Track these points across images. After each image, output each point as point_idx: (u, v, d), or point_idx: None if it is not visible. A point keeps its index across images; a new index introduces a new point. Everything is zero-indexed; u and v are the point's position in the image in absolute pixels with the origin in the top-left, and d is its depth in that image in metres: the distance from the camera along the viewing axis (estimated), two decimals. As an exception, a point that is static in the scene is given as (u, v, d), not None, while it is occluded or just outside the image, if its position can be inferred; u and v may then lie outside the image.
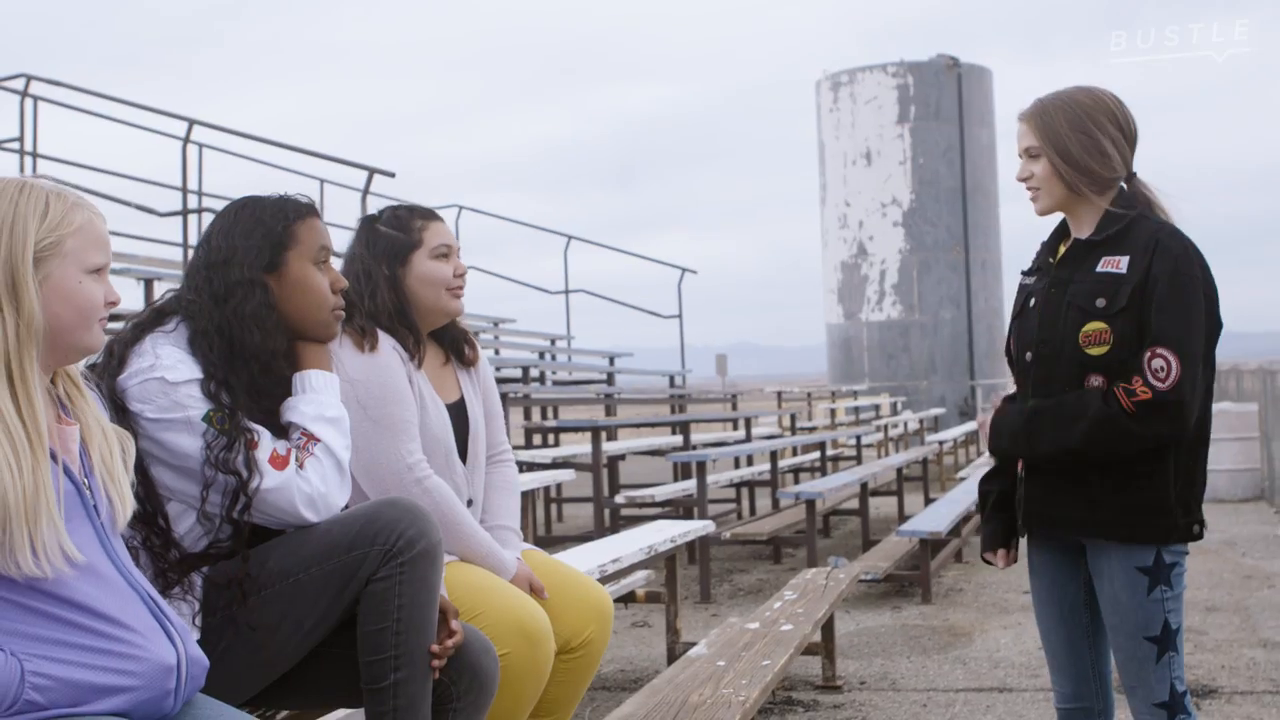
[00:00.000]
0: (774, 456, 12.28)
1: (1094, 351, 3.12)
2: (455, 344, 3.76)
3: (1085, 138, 3.19)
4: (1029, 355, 3.28)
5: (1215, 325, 3.15)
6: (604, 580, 5.33)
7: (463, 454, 3.63)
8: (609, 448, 11.62)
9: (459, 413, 3.66)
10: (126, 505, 2.38)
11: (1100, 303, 3.13)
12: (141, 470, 2.66)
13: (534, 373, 14.59)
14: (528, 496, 8.42)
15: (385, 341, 3.49)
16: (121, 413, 2.71)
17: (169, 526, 2.75)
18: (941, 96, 28.17)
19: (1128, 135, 3.25)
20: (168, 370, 2.77)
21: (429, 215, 3.71)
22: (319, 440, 2.88)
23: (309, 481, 2.82)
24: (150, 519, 2.70)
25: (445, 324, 3.71)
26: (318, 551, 2.77)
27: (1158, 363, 3.03)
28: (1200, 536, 3.21)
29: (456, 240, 3.74)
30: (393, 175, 12.19)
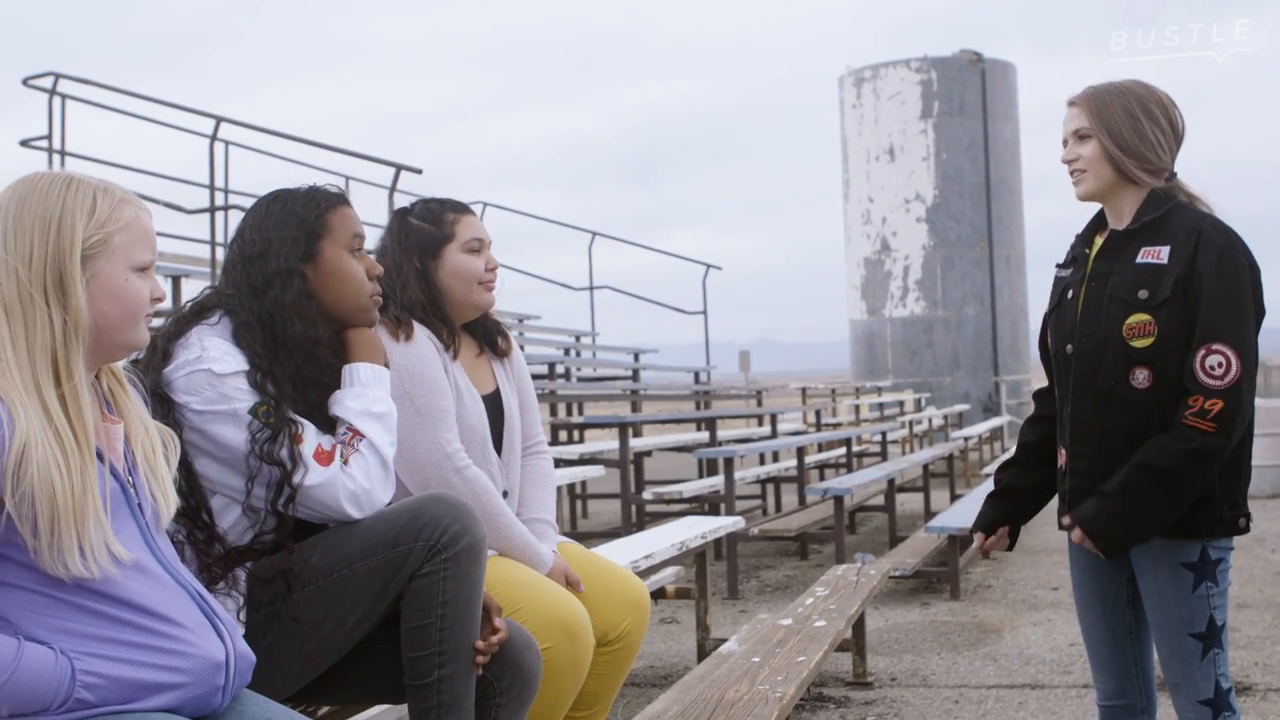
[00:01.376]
0: (800, 453, 12.25)
1: (1138, 344, 3.10)
2: (489, 335, 3.76)
3: (1140, 124, 3.17)
4: (1069, 348, 3.26)
5: (1260, 312, 3.13)
6: (636, 576, 5.32)
7: (498, 445, 3.63)
8: (635, 444, 11.61)
9: (494, 404, 3.65)
10: (170, 502, 2.38)
11: (1143, 294, 3.10)
12: (185, 464, 2.66)
13: (559, 369, 14.60)
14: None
15: (420, 332, 3.49)
16: (167, 405, 2.72)
17: (213, 521, 2.75)
18: (965, 92, 28.10)
19: (1177, 133, 3.23)
20: (215, 362, 2.78)
21: (461, 209, 3.71)
22: (364, 436, 2.88)
23: (353, 478, 2.82)
24: (194, 513, 2.71)
25: (477, 316, 3.71)
26: (362, 547, 2.77)
27: (1214, 360, 3.01)
28: (1247, 530, 3.19)
29: (489, 235, 3.74)
30: (420, 172, 12.19)
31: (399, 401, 3.32)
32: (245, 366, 2.81)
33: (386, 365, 3.05)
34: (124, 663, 2.16)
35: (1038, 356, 3.56)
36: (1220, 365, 3.00)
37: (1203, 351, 3.02)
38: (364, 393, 2.94)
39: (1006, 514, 3.52)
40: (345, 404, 2.92)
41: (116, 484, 2.25)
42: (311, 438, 2.82)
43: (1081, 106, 3.25)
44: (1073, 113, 3.27)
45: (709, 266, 18.42)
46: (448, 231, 3.62)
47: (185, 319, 2.89)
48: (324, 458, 2.81)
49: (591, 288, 17.81)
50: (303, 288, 2.94)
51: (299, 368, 2.88)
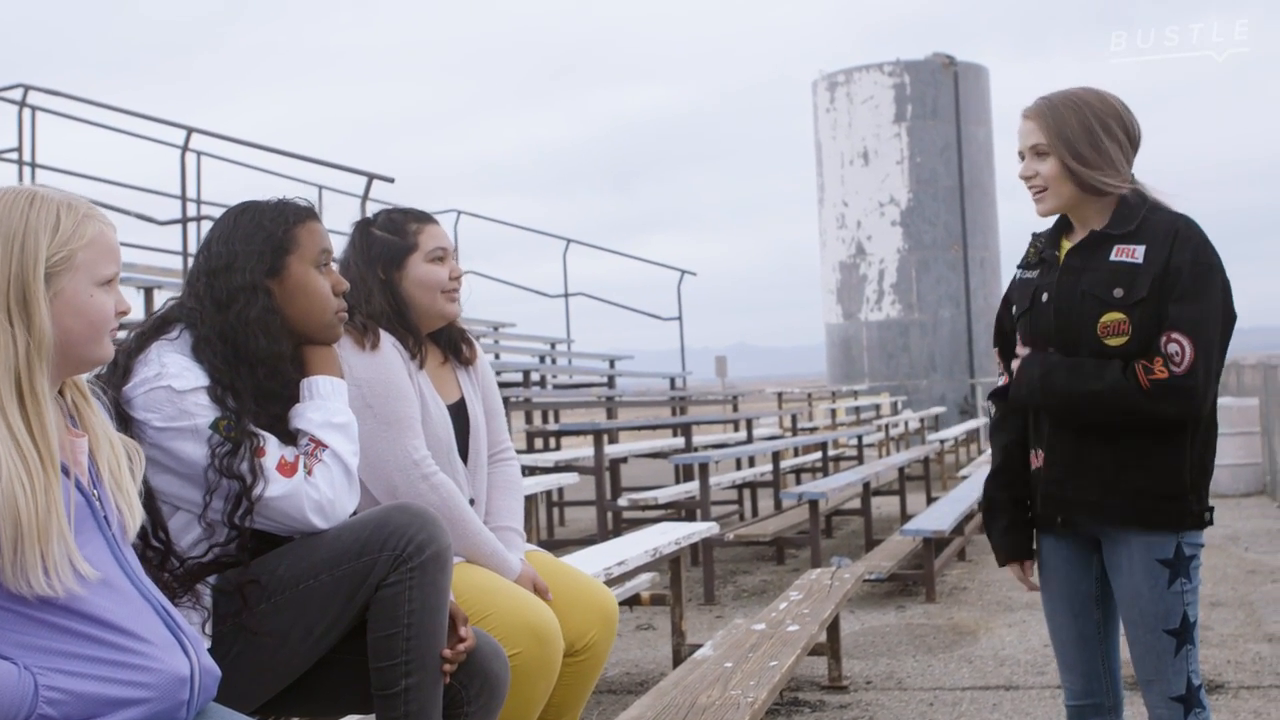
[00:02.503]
0: (776, 457, 12.28)
1: (1113, 342, 3.11)
2: (453, 344, 3.76)
3: (1099, 138, 3.16)
4: (1050, 350, 3.25)
5: (1231, 315, 3.14)
6: (609, 583, 5.32)
7: (464, 453, 3.63)
8: (611, 450, 11.62)
9: (459, 412, 3.65)
10: (136, 515, 2.38)
11: (1118, 292, 3.11)
12: (144, 482, 2.66)
13: (534, 376, 14.58)
14: (530, 500, 8.42)
15: (386, 340, 3.49)
16: (126, 422, 2.70)
17: (169, 539, 2.72)
18: (938, 95, 28.19)
19: (1133, 140, 3.23)
20: (174, 378, 2.77)
21: (424, 218, 3.70)
22: (327, 447, 2.88)
23: (318, 489, 2.82)
24: (149, 533, 2.69)
25: (443, 325, 3.71)
26: (327, 558, 2.77)
27: (1172, 347, 3.03)
28: (1211, 523, 3.22)
29: (452, 243, 3.73)
30: (392, 180, 12.19)
31: (365, 411, 3.32)
32: (205, 382, 2.80)
33: (342, 377, 3.05)
34: (88, 678, 2.15)
35: (993, 348, 3.55)
36: (1177, 353, 3.03)
37: (1164, 339, 3.05)
38: (324, 404, 2.94)
39: (1027, 529, 3.46)
40: (306, 416, 2.92)
41: (82, 498, 2.24)
42: (274, 450, 2.82)
43: (1036, 121, 3.22)
44: (1029, 127, 3.24)
45: (684, 272, 18.45)
46: (411, 242, 3.62)
47: (146, 334, 2.88)
48: (287, 469, 2.80)
49: (566, 295, 17.82)
50: (267, 303, 2.93)
51: (261, 382, 2.88)
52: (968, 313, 28.11)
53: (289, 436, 2.90)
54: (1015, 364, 3.32)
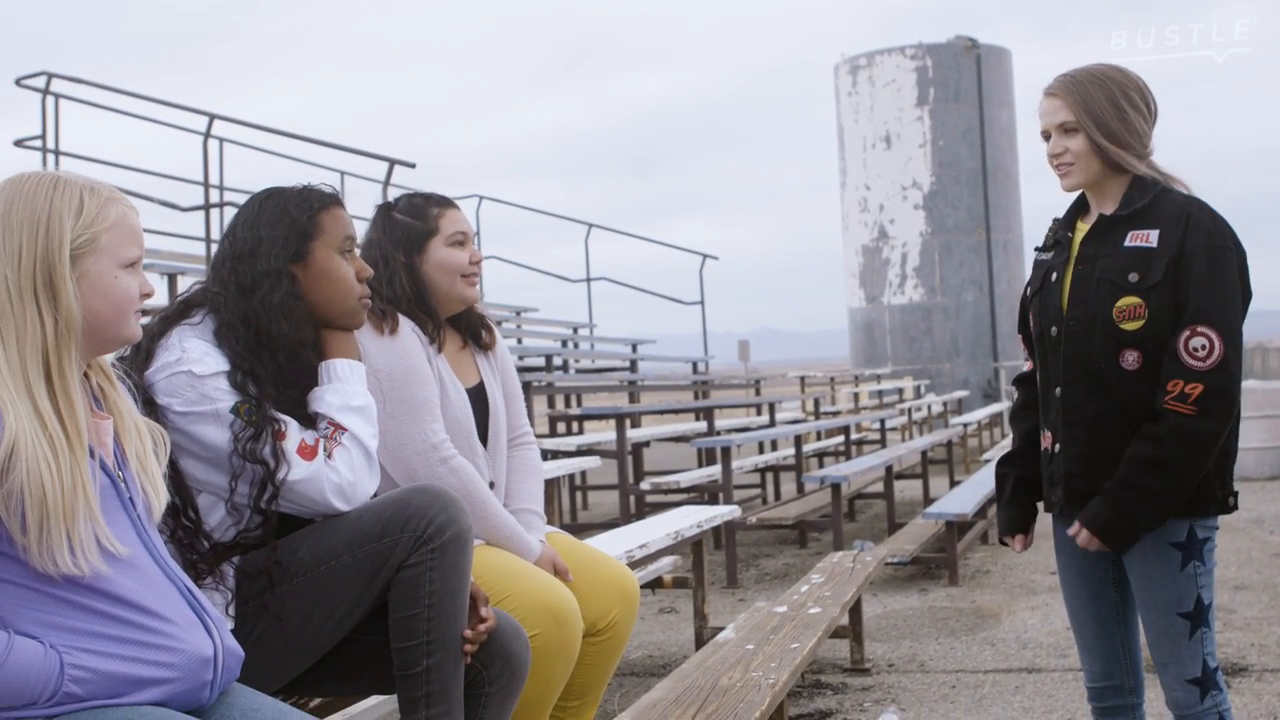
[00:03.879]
0: (798, 441, 12.27)
1: (1128, 326, 3.11)
2: (473, 328, 3.78)
3: (1123, 114, 3.17)
4: (1054, 330, 3.26)
5: (1247, 296, 3.14)
6: (631, 566, 5.33)
7: (483, 437, 3.64)
8: (633, 435, 11.63)
9: (479, 396, 3.67)
10: (161, 496, 2.40)
11: (1133, 277, 3.11)
12: (171, 463, 2.68)
13: (557, 361, 14.59)
14: (553, 484, 8.44)
15: (405, 324, 3.51)
16: (149, 406, 2.73)
17: (199, 518, 2.77)
18: (960, 78, 28.07)
19: (1153, 115, 3.23)
20: (194, 363, 2.79)
21: (445, 203, 3.72)
22: (346, 430, 2.90)
23: (338, 471, 2.84)
24: (179, 512, 2.72)
25: (462, 310, 3.72)
26: (349, 539, 2.79)
27: (1198, 341, 3.02)
28: (1235, 508, 3.20)
29: (473, 227, 3.74)
30: (413, 166, 12.21)
31: (383, 395, 3.34)
32: (226, 367, 2.82)
33: (360, 359, 3.07)
34: (112, 657, 2.18)
35: (1018, 333, 3.56)
36: (1204, 347, 3.02)
37: (1187, 333, 3.03)
38: (342, 388, 2.96)
39: (1031, 510, 3.51)
40: (325, 400, 2.94)
41: (107, 479, 2.27)
42: (295, 434, 2.84)
43: (1063, 98, 3.22)
44: (1054, 104, 3.24)
45: (705, 257, 18.42)
46: (432, 226, 3.64)
47: (169, 318, 2.91)
48: (308, 452, 2.83)
49: (589, 279, 17.81)
50: (291, 288, 2.95)
51: (282, 368, 2.90)
52: (991, 296, 28.02)
53: (309, 420, 2.92)
54: (1079, 535, 3.21)
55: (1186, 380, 3.02)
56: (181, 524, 2.71)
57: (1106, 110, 3.17)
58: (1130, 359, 3.12)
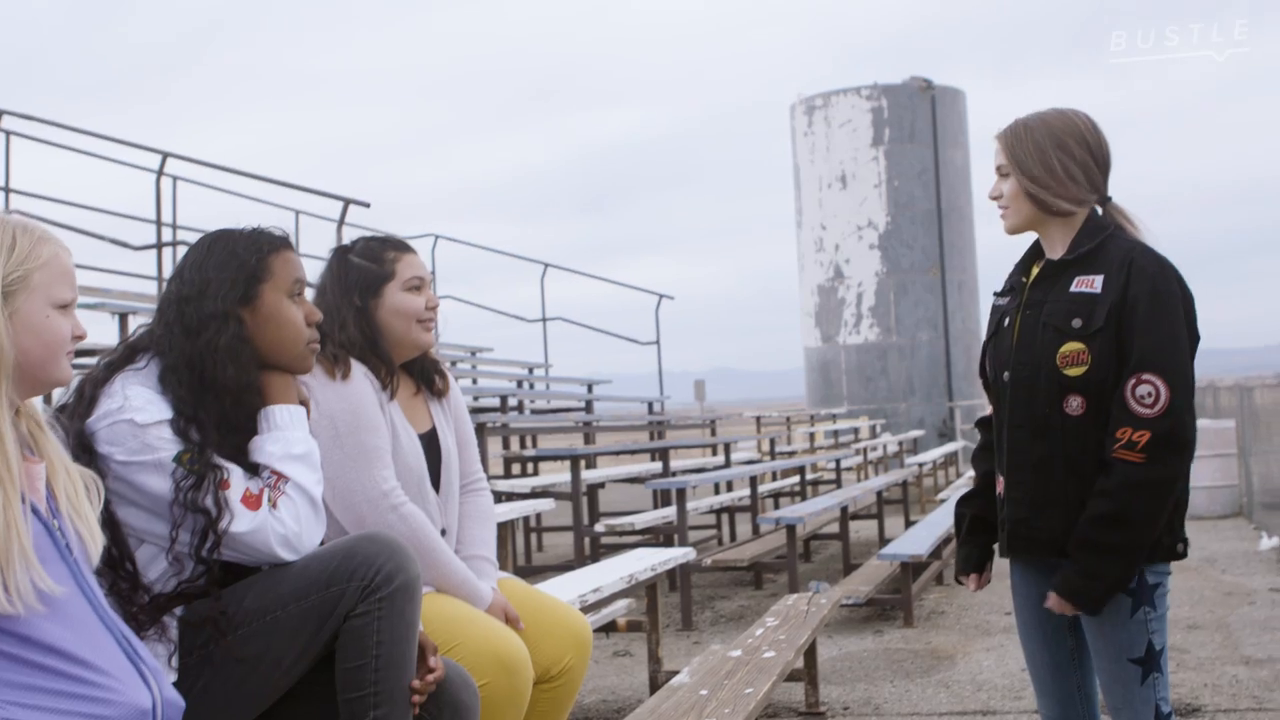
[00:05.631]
0: (754, 482, 12.26)
1: (1072, 372, 3.11)
2: (426, 374, 3.75)
3: (1052, 158, 3.19)
4: (1006, 375, 3.27)
5: (1194, 339, 3.14)
6: (585, 610, 5.30)
7: (435, 483, 3.62)
8: (588, 476, 11.59)
9: (431, 443, 3.64)
10: (97, 540, 2.36)
11: (1076, 323, 3.12)
12: (109, 513, 2.63)
13: (512, 401, 14.55)
14: (507, 527, 8.38)
15: (357, 369, 3.48)
16: (90, 455, 2.68)
17: (137, 570, 2.71)
18: (915, 119, 28.29)
19: (1098, 158, 3.24)
20: (137, 411, 2.74)
21: (402, 247, 3.70)
22: (289, 479, 2.86)
23: (283, 522, 2.80)
24: (117, 563, 2.67)
25: (417, 355, 3.70)
26: (295, 588, 2.75)
27: (1144, 389, 3.02)
28: (1184, 555, 3.19)
29: (429, 272, 3.73)
30: (368, 205, 12.19)
31: (334, 441, 3.30)
32: (169, 415, 2.78)
33: (303, 402, 3.03)
34: (45, 710, 2.13)
35: (980, 378, 3.57)
36: (1150, 395, 3.02)
37: (1133, 380, 3.03)
38: (282, 435, 2.91)
39: (987, 549, 3.50)
40: (265, 449, 2.90)
41: (41, 525, 2.22)
42: (239, 482, 2.80)
43: (999, 142, 3.28)
44: (996, 148, 3.30)
45: (661, 296, 18.44)
46: (388, 270, 3.62)
47: (113, 364, 2.86)
48: (252, 502, 2.78)
49: (545, 319, 17.80)
50: (238, 331, 2.91)
51: (226, 413, 2.86)
52: (946, 336, 28.16)
53: (255, 467, 2.88)
54: (1056, 605, 3.18)
55: (1134, 428, 3.02)
56: (120, 576, 2.66)
57: (1031, 155, 3.20)
58: (1074, 404, 3.12)
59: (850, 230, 28.43)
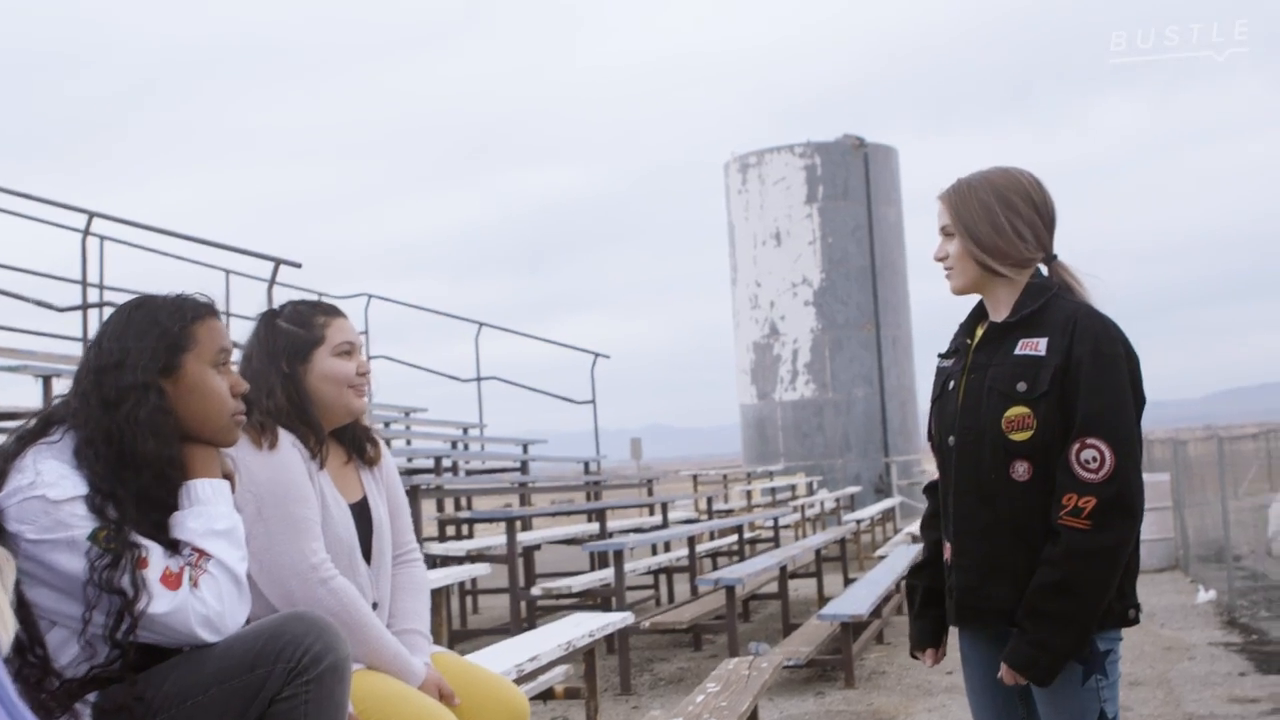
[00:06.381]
0: (691, 542, 12.17)
1: (1017, 437, 3.05)
2: (357, 442, 3.64)
3: (997, 218, 3.15)
4: (951, 440, 3.21)
5: (1140, 401, 3.09)
6: (521, 679, 5.18)
7: (367, 555, 3.50)
8: (524, 538, 11.45)
9: (362, 512, 3.53)
10: (8, 628, 2.23)
11: (1021, 387, 3.06)
12: (17, 594, 2.50)
13: (446, 462, 14.39)
14: (442, 592, 8.24)
15: (285, 438, 3.36)
16: (0, 533, 2.55)
17: (47, 655, 2.57)
18: (849, 176, 28.53)
19: (1044, 216, 3.20)
20: (49, 487, 2.62)
21: (332, 311, 3.60)
22: (211, 556, 2.73)
23: (205, 602, 2.68)
24: (26, 648, 2.53)
25: (348, 422, 3.59)
26: (218, 671, 2.63)
27: (1088, 453, 2.96)
28: (1136, 621, 3.13)
29: (361, 334, 3.63)
30: (299, 265, 12.05)
31: (260, 514, 3.19)
32: (83, 490, 2.65)
33: (227, 474, 2.91)
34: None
35: (927, 441, 3.50)
36: (1095, 459, 2.96)
37: (1077, 445, 2.98)
38: (204, 510, 2.79)
39: (941, 623, 3.41)
40: (186, 525, 2.77)
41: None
42: (158, 561, 2.67)
43: (944, 203, 3.24)
44: (940, 209, 3.25)
45: (597, 355, 18.36)
46: (318, 335, 3.51)
47: (25, 437, 2.73)
48: (172, 581, 2.66)
49: (479, 378, 17.67)
50: (160, 403, 2.79)
51: (145, 488, 2.73)
52: (881, 392, 28.28)
53: (175, 544, 2.75)
54: (1008, 677, 3.10)
55: (1080, 494, 2.96)
56: (28, 661, 2.52)
57: (978, 214, 3.16)
58: (1020, 470, 3.06)
59: (785, 287, 28.55)
